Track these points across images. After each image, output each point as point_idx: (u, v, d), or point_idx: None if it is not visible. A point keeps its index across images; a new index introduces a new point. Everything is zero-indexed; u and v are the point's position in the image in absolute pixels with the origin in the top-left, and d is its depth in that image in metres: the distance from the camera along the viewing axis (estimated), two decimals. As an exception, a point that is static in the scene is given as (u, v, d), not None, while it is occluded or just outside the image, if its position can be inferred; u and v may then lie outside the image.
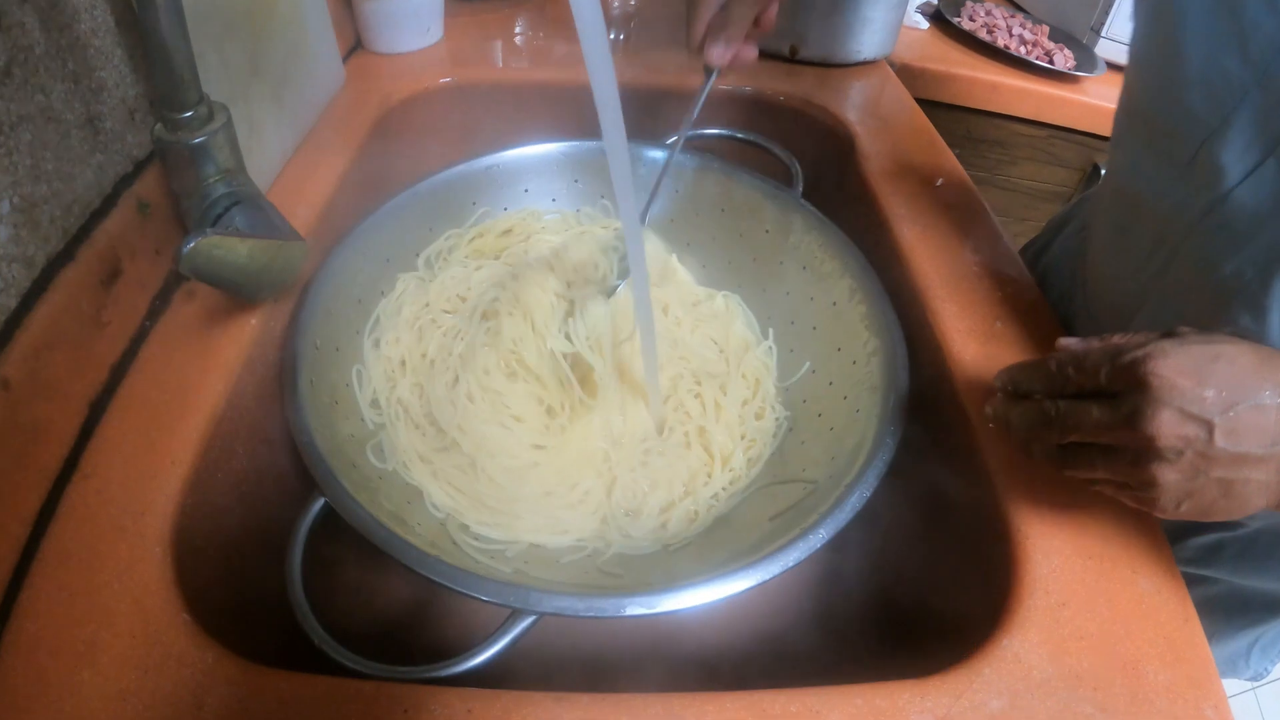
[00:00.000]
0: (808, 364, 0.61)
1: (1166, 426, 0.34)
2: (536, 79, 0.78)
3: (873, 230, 0.63)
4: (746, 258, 0.67)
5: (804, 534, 0.42)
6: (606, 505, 0.53)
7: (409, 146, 0.71)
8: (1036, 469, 0.45)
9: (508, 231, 0.68)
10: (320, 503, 0.42)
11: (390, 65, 0.76)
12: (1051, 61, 1.08)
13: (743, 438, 0.57)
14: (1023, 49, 1.10)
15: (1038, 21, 1.18)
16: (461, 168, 0.65)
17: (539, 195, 0.69)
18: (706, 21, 0.56)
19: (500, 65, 0.79)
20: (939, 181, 0.66)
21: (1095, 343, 0.39)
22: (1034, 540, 0.42)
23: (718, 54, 0.56)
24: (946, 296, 0.55)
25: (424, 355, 0.59)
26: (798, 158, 0.68)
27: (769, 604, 0.56)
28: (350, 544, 0.42)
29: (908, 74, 1.04)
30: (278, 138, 0.59)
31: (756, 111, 0.79)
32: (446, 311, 0.62)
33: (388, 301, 0.61)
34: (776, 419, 0.59)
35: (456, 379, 0.57)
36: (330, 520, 0.42)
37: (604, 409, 0.56)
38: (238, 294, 0.43)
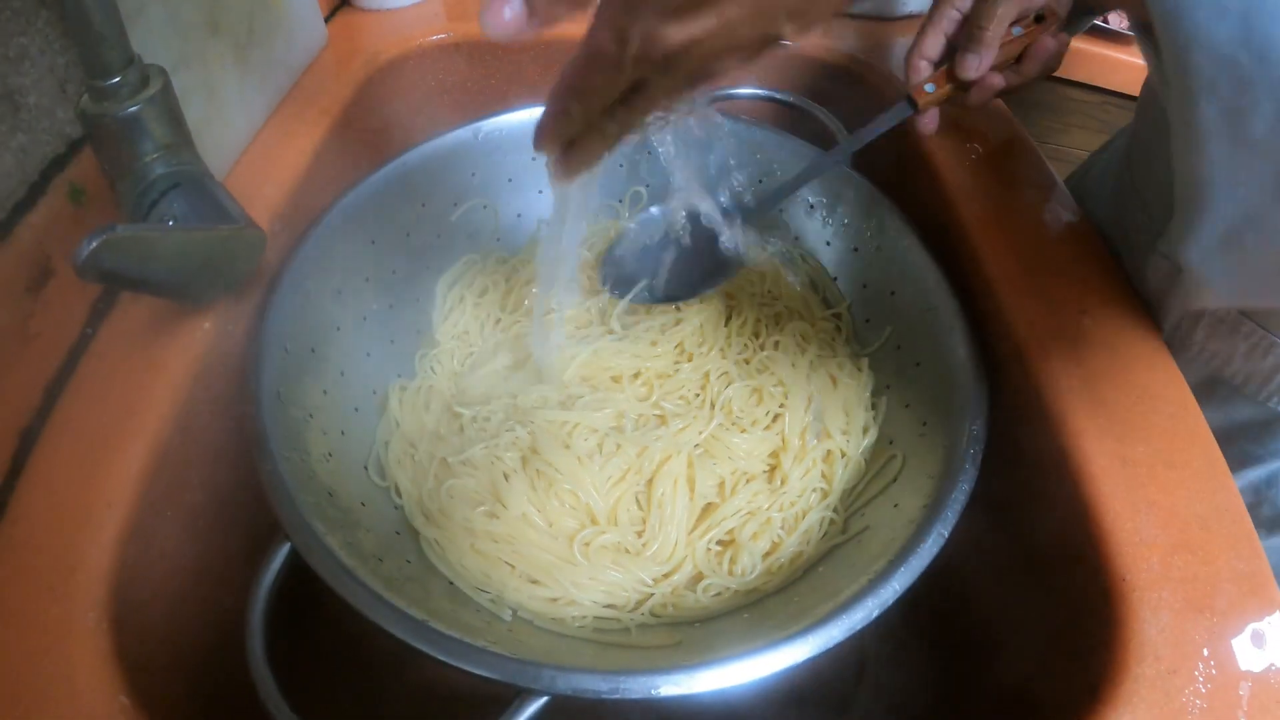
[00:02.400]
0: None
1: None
2: (546, 34, 0.68)
3: (932, 208, 0.54)
4: (786, 236, 0.59)
5: (873, 586, 0.35)
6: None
7: (397, 115, 0.63)
8: (1149, 504, 0.37)
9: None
10: (285, 548, 0.35)
11: (380, 22, 0.67)
12: (1106, 21, 1.00)
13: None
14: (1076, 6, 1.00)
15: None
16: (458, 133, 0.55)
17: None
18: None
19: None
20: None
21: None
22: (1141, 593, 0.35)
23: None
24: (1025, 290, 0.47)
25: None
26: (844, 123, 0.59)
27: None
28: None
29: (954, 30, 0.95)
30: (243, 107, 0.51)
31: (793, 69, 0.70)
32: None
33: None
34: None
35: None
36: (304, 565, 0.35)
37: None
38: (173, 297, 0.36)
